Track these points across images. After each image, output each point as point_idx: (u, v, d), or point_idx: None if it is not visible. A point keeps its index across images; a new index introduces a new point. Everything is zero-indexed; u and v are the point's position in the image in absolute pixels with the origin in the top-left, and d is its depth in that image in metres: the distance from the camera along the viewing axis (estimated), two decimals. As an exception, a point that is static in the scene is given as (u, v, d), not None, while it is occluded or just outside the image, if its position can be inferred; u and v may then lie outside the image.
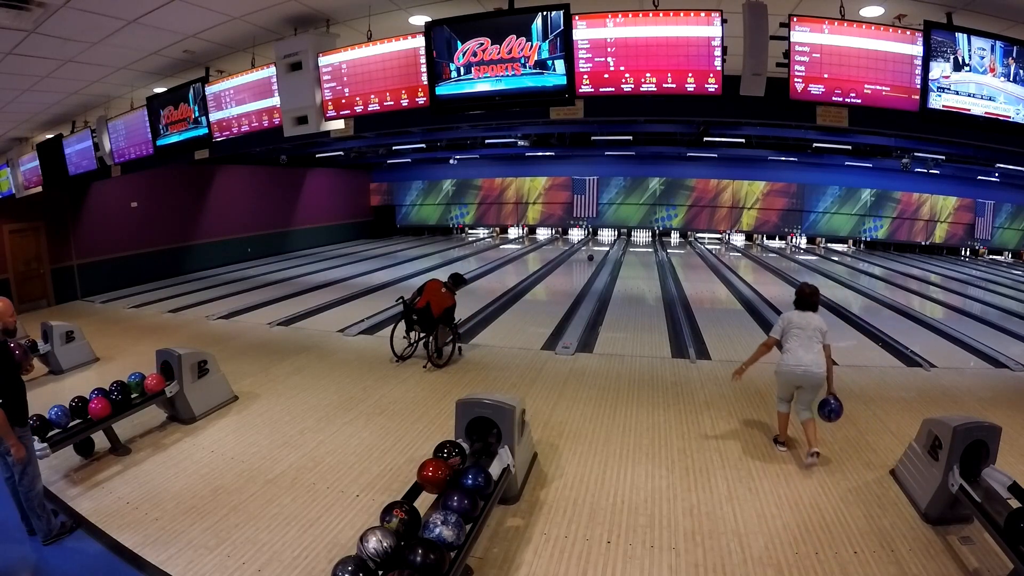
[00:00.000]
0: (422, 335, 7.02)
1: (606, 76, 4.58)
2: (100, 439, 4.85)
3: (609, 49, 4.52)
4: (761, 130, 14.09)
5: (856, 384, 6.28)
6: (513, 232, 24.07)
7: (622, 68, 4.54)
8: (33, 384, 6.31)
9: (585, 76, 4.61)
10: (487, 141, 17.33)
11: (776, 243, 22.11)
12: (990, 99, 4.34)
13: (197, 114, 6.61)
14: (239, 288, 12.68)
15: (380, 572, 2.56)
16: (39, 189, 9.85)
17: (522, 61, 4.61)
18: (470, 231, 24.24)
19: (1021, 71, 4.27)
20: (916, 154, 15.18)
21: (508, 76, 4.67)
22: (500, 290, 12.01)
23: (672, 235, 23.04)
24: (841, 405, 4.40)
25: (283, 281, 13.49)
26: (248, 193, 17.42)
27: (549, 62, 4.56)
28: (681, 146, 17.72)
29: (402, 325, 7.18)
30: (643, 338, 8.23)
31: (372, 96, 5.39)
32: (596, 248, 20.02)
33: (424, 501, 3.30)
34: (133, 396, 5.09)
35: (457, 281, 7.25)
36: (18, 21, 4.51)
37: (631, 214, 22.92)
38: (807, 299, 4.58)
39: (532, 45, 4.55)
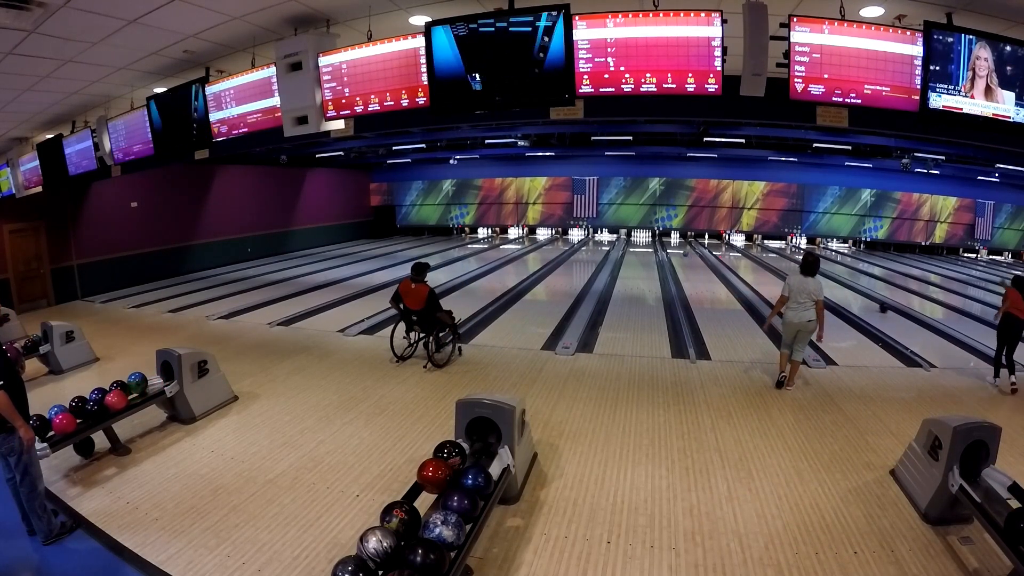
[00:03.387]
0: (422, 335, 7.01)
1: (606, 76, 4.58)
2: (100, 439, 4.85)
3: (609, 49, 4.51)
4: (761, 130, 14.08)
5: (856, 384, 6.28)
6: (513, 232, 24.07)
7: (622, 68, 4.53)
8: (33, 384, 6.32)
9: (585, 76, 4.61)
10: (487, 141, 17.32)
11: (776, 243, 22.09)
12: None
13: (197, 114, 6.61)
14: (239, 288, 12.68)
15: (380, 572, 2.56)
16: (39, 189, 9.85)
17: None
18: (471, 234, 24.22)
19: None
20: (916, 154, 15.18)
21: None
22: (500, 290, 12.01)
23: (672, 235, 23.04)
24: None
25: (283, 281, 13.49)
26: (248, 193, 17.42)
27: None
28: (681, 146, 17.73)
29: (402, 326, 7.17)
30: (643, 338, 8.23)
31: (372, 96, 5.39)
32: (596, 248, 20.04)
33: (424, 501, 3.30)
34: (133, 396, 5.09)
35: (419, 270, 6.99)
36: (18, 21, 4.51)
37: (631, 214, 22.92)
38: (810, 266, 5.81)
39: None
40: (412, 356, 7.18)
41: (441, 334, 7.07)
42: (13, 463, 3.51)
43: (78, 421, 4.50)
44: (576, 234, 23.55)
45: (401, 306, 6.95)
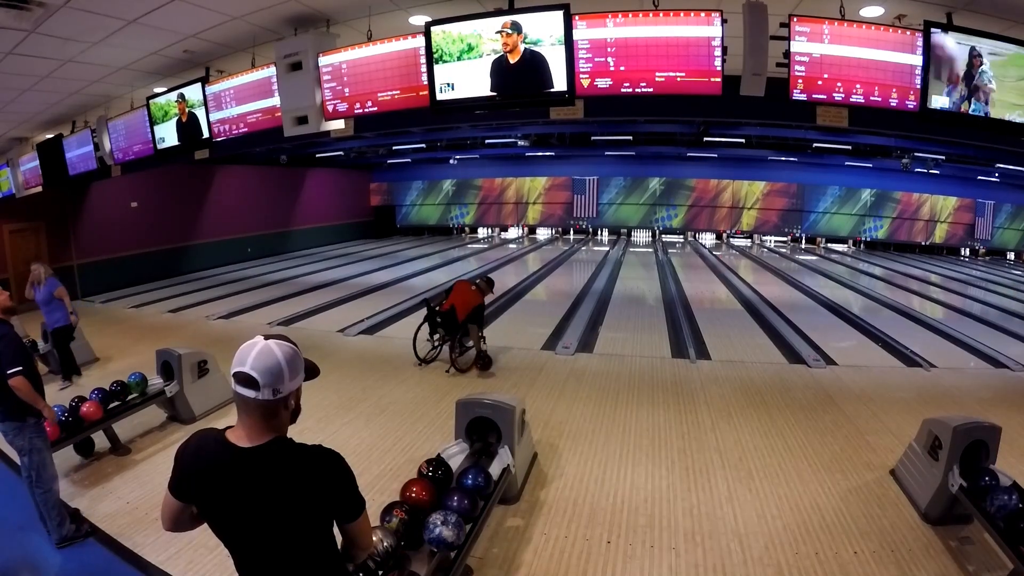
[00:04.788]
0: (447, 337, 6.82)
1: (606, 76, 4.57)
2: (100, 439, 4.84)
3: (609, 49, 4.51)
4: (761, 130, 14.10)
5: (856, 384, 6.28)
6: (513, 232, 24.08)
7: (622, 68, 4.53)
8: (33, 384, 6.31)
9: (585, 76, 4.60)
10: (487, 141, 17.33)
11: (775, 243, 22.08)
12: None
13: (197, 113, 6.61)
14: (239, 288, 12.68)
15: (380, 572, 2.56)
16: (39, 189, 9.84)
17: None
18: (471, 234, 24.24)
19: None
20: (916, 154, 15.19)
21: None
22: (500, 290, 11.98)
23: (673, 236, 23.02)
24: None
25: (283, 281, 13.49)
26: (248, 193, 17.41)
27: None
28: (681, 146, 17.73)
29: (426, 328, 7.00)
30: (643, 338, 8.23)
31: (372, 96, 5.38)
32: (596, 248, 20.05)
33: (424, 501, 3.29)
34: (133, 396, 5.09)
35: (488, 283, 7.02)
36: (18, 21, 4.51)
37: (631, 214, 22.92)
38: None
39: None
40: (436, 359, 7.04)
41: (465, 339, 6.92)
42: (26, 462, 3.50)
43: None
44: (576, 234, 23.55)
45: (435, 306, 6.83)
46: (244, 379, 1.56)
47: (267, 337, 1.60)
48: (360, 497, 1.67)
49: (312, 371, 1.70)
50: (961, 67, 4.25)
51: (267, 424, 1.59)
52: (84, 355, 7.40)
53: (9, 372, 3.33)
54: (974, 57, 4.23)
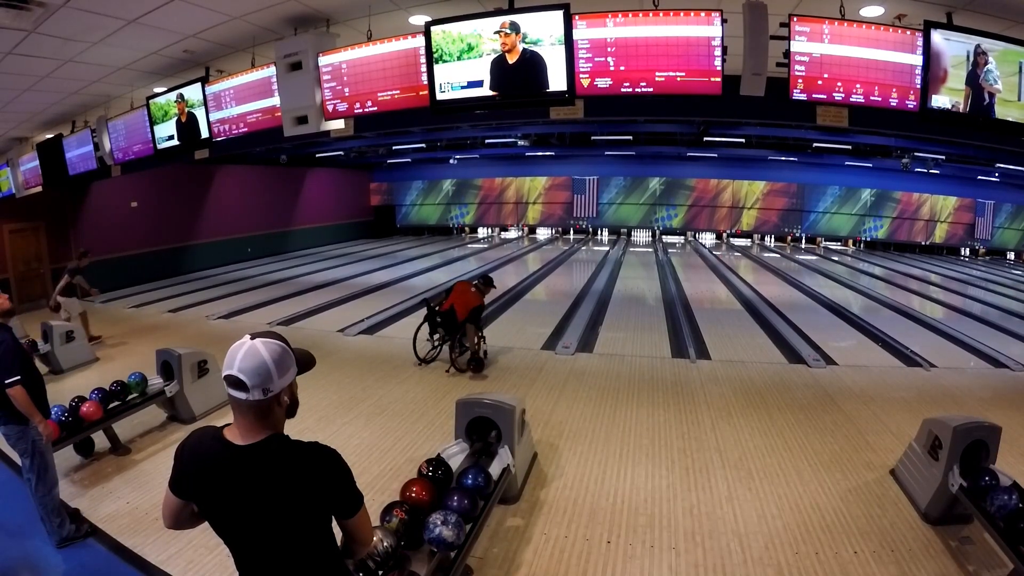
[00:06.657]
0: (446, 337, 6.83)
1: (606, 76, 4.57)
2: (100, 439, 4.84)
3: (609, 49, 4.51)
4: (761, 130, 14.09)
5: (856, 384, 6.28)
6: (513, 232, 24.08)
7: (622, 68, 4.53)
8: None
9: (585, 76, 4.60)
10: (487, 141, 17.32)
11: (774, 244, 22.07)
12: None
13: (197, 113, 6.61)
14: (239, 288, 12.67)
15: (380, 572, 2.55)
16: (39, 189, 9.85)
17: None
18: (471, 234, 24.24)
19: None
20: (916, 154, 15.19)
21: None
22: (500, 290, 11.99)
23: (673, 236, 23.02)
24: None
25: (283, 281, 13.49)
26: (248, 193, 17.41)
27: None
28: (681, 146, 17.73)
29: (426, 327, 7.01)
30: (643, 338, 8.23)
31: (372, 96, 5.38)
32: (596, 248, 20.06)
33: (424, 501, 3.29)
34: (133, 396, 5.09)
35: (487, 283, 7.06)
36: (18, 21, 4.51)
37: (631, 214, 22.92)
38: None
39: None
40: (436, 359, 7.04)
41: (465, 339, 6.89)
42: (28, 465, 3.50)
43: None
44: (576, 234, 23.55)
45: (435, 306, 6.83)
46: (233, 382, 1.56)
47: (254, 336, 1.59)
48: (358, 492, 1.67)
49: (306, 363, 1.68)
50: (964, 66, 4.25)
51: (262, 423, 1.59)
52: (84, 355, 7.40)
53: (7, 381, 3.33)
54: (979, 55, 4.22)
